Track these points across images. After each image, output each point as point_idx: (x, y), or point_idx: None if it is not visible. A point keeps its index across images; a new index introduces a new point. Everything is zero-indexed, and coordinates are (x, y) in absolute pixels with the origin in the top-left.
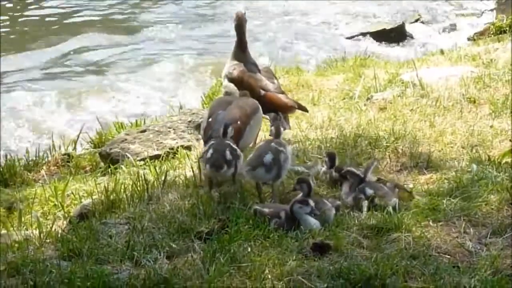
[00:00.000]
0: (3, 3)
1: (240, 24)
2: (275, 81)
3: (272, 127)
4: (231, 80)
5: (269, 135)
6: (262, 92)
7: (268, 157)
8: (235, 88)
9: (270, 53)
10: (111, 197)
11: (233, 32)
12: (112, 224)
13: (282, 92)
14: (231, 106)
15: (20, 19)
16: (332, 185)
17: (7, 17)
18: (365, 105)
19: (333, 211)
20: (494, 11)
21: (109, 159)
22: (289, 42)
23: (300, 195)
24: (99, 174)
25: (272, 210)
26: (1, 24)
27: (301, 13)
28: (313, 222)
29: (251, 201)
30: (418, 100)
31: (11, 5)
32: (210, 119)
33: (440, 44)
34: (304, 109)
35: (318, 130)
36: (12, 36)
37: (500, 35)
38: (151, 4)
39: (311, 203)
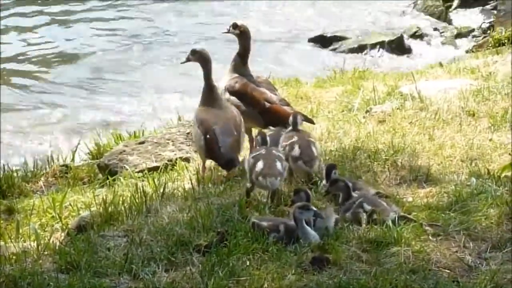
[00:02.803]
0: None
1: (247, 37)
2: (277, 93)
3: (258, 136)
4: (233, 93)
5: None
6: (267, 104)
7: (279, 165)
8: (238, 101)
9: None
10: (109, 209)
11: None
12: (111, 236)
13: (287, 104)
14: (227, 121)
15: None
16: (332, 199)
17: None
18: (364, 117)
19: (334, 218)
20: (493, 23)
21: (107, 170)
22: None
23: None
24: (97, 186)
25: (271, 223)
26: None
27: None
28: (312, 235)
29: (249, 214)
30: (417, 113)
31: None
32: (208, 136)
33: (439, 56)
34: (310, 121)
35: (317, 143)
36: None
37: (499, 48)
38: (145, 11)
39: (313, 207)
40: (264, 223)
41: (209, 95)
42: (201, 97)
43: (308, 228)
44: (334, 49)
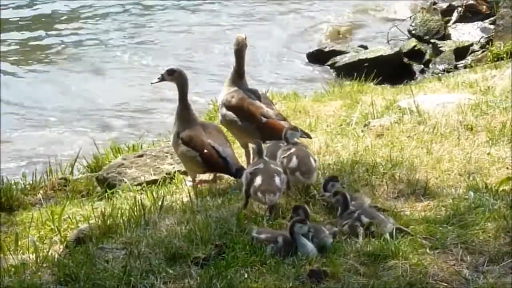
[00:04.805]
0: None
1: (240, 49)
2: (274, 107)
3: (254, 145)
4: (230, 107)
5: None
6: (264, 119)
7: (278, 180)
8: (234, 116)
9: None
10: (108, 222)
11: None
12: (109, 249)
13: (284, 119)
14: (215, 134)
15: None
16: (329, 212)
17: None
18: (362, 131)
19: (331, 239)
20: (491, 38)
21: (106, 183)
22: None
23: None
24: (96, 199)
25: (269, 235)
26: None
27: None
28: (310, 248)
29: (248, 227)
30: (415, 127)
31: None
32: (206, 151)
33: (437, 70)
34: (307, 135)
35: (316, 157)
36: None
37: (498, 62)
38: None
39: (306, 223)
40: (263, 236)
41: (187, 115)
42: (177, 118)
43: (306, 240)
44: (332, 63)
